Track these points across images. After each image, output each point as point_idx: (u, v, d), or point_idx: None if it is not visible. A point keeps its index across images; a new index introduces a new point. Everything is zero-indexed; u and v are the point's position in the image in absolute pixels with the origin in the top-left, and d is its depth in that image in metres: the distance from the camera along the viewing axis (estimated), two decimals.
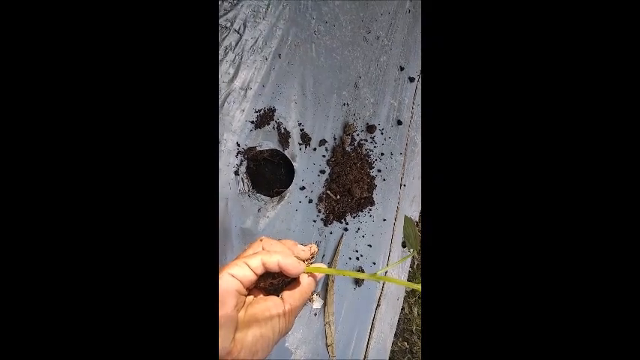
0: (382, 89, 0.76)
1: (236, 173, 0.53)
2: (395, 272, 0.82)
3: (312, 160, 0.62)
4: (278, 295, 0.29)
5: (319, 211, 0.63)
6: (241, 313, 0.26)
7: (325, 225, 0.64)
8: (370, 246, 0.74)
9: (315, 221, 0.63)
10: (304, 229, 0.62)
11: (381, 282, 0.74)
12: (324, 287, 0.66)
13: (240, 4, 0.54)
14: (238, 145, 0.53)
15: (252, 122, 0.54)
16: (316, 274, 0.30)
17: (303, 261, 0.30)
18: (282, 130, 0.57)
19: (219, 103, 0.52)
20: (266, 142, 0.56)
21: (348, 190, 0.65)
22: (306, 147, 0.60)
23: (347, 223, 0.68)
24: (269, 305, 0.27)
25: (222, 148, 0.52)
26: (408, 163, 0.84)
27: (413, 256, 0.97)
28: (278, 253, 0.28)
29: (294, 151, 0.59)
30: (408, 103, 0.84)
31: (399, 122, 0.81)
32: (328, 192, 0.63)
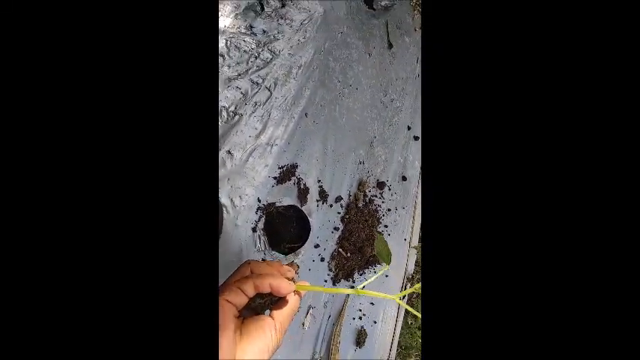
0: (392, 147, 0.79)
1: (254, 230, 0.51)
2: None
3: (327, 216, 0.61)
4: (263, 312, 0.31)
5: (330, 270, 0.62)
6: (237, 335, 0.28)
7: (334, 284, 0.62)
8: (372, 304, 0.72)
9: (325, 281, 0.61)
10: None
11: (387, 346, 0.72)
12: (328, 348, 0.63)
13: (274, 63, 0.56)
14: (259, 200, 0.52)
15: (274, 178, 0.54)
16: (301, 291, 0.33)
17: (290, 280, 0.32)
18: (302, 186, 0.57)
19: (245, 157, 0.52)
20: (285, 197, 0.55)
21: (359, 249, 0.64)
22: (323, 203, 0.60)
23: (354, 281, 0.66)
24: (262, 325, 0.29)
25: (242, 203, 0.50)
26: (409, 218, 0.86)
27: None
28: (268, 275, 0.31)
29: (311, 207, 0.59)
30: (412, 160, 0.88)
31: (404, 178, 0.83)
32: (340, 250, 0.62)
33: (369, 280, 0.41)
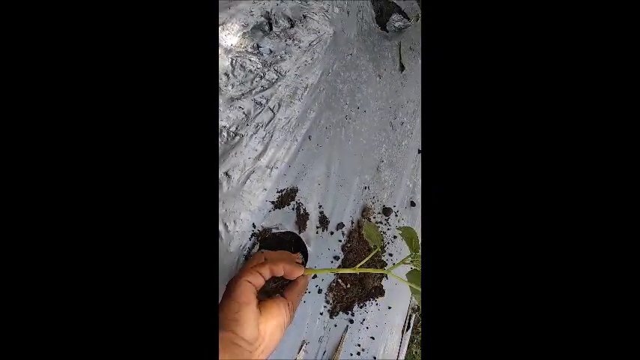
0: (401, 172, 0.75)
1: (246, 257, 0.48)
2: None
3: (327, 244, 0.58)
4: (276, 295, 0.36)
5: (327, 302, 0.58)
6: (257, 310, 0.33)
7: (331, 317, 0.58)
8: (373, 338, 0.67)
9: (321, 314, 0.57)
10: (309, 322, 0.55)
11: None
12: None
13: (279, 84, 0.54)
14: (254, 226, 0.49)
15: (272, 202, 0.51)
16: (307, 275, 0.38)
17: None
18: (302, 212, 0.54)
19: (242, 179, 0.49)
20: (283, 223, 0.53)
21: (360, 280, 0.60)
22: (323, 230, 0.57)
23: (353, 315, 0.62)
24: (278, 303, 0.34)
25: (236, 228, 0.48)
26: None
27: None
28: (282, 260, 0.36)
29: (310, 234, 0.56)
30: (421, 184, 0.84)
31: (413, 204, 0.79)
32: (339, 280, 0.58)
33: (364, 261, 0.45)
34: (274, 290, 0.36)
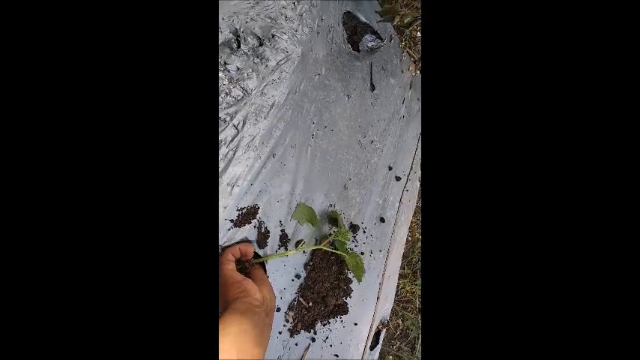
0: (370, 189, 0.76)
1: None
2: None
3: (286, 261, 0.58)
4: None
5: (287, 321, 0.57)
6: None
7: (291, 335, 0.58)
8: (337, 355, 0.67)
9: (280, 332, 0.57)
10: None
11: None
12: None
13: (244, 102, 0.54)
14: None
15: (231, 221, 0.51)
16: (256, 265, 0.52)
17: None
18: (263, 230, 0.54)
19: None
20: (243, 242, 0.52)
21: (322, 298, 0.60)
22: (283, 248, 0.57)
23: (315, 332, 0.62)
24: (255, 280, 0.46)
25: None
26: (387, 260, 0.82)
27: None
28: (236, 245, 0.49)
29: (271, 252, 0.55)
30: (392, 200, 0.85)
31: (382, 220, 0.80)
32: (301, 299, 0.58)
33: (304, 240, 0.56)
34: (240, 271, 0.47)
